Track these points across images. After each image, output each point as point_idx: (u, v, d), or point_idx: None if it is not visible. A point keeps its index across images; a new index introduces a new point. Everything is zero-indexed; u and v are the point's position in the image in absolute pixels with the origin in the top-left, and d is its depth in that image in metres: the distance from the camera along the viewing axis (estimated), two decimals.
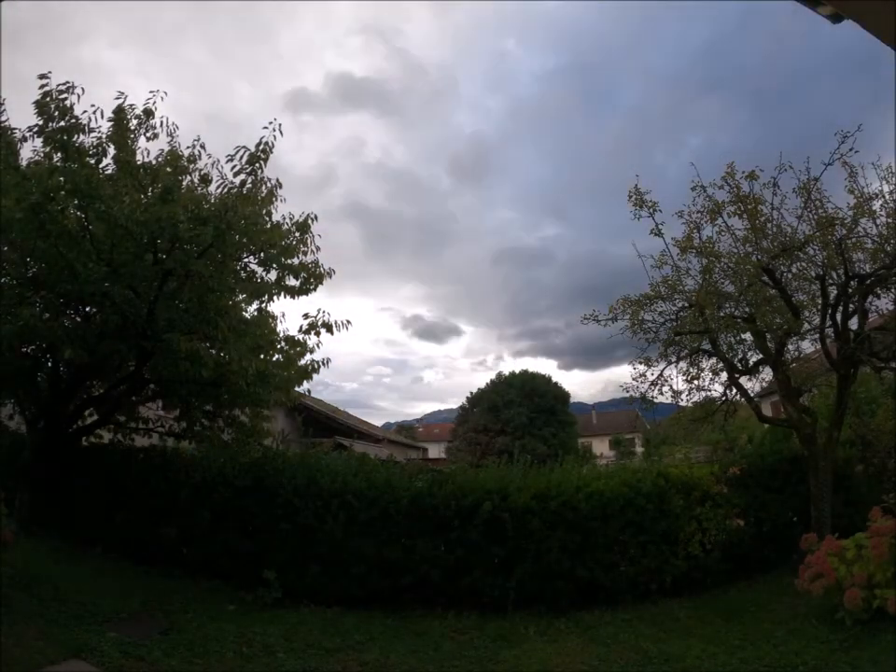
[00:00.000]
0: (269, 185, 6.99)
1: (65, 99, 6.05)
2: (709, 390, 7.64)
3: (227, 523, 6.60)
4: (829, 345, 6.77)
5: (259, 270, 7.22)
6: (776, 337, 6.63)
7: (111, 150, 6.51)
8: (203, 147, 7.07)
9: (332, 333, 7.26)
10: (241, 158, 6.49)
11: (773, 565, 6.76)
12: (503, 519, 6.24)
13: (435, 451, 40.38)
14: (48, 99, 6.04)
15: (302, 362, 7.48)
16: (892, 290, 6.44)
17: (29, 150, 6.47)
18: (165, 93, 6.67)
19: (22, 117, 6.27)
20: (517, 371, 35.88)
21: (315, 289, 7.48)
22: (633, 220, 7.10)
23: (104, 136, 6.42)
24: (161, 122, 6.85)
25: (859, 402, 7.99)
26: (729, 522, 6.80)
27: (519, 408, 32.88)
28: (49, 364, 7.27)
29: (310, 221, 7.26)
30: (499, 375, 36.47)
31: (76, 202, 5.89)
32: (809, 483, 6.68)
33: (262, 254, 6.93)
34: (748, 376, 7.43)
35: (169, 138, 6.95)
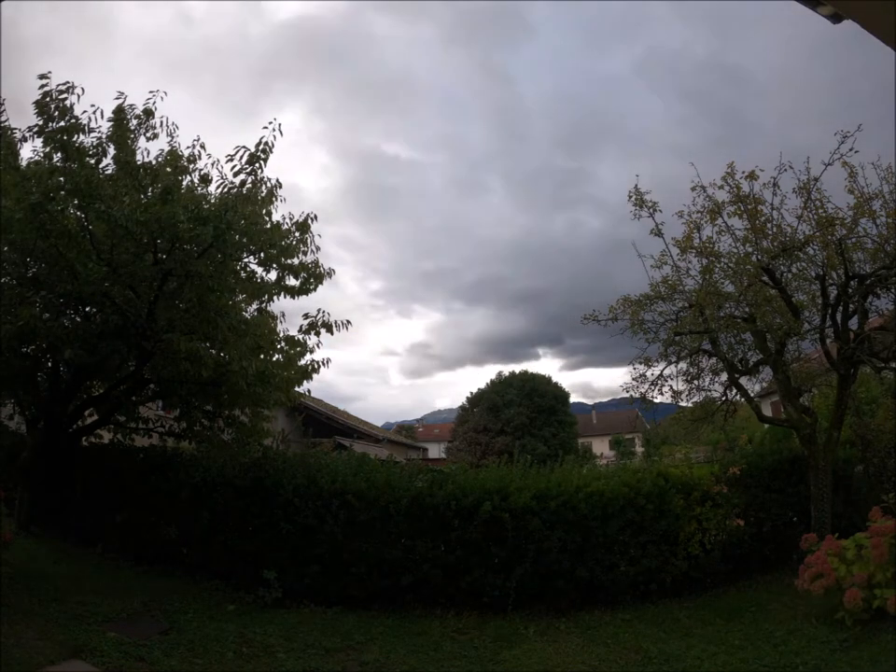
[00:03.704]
0: (269, 185, 7.00)
1: (65, 99, 6.04)
2: (709, 390, 7.66)
3: (227, 523, 6.60)
4: (829, 345, 6.77)
5: (259, 270, 7.23)
6: (776, 337, 6.63)
7: (111, 150, 6.50)
8: (203, 146, 7.07)
9: (332, 333, 7.27)
10: (241, 158, 6.50)
11: (773, 565, 6.76)
12: (503, 519, 6.23)
13: (435, 451, 40.37)
14: (48, 99, 6.03)
15: (302, 362, 7.49)
16: (892, 290, 6.43)
17: (29, 150, 6.47)
18: (165, 93, 6.68)
19: (22, 117, 6.27)
20: (517, 371, 35.95)
21: (314, 289, 7.49)
22: (633, 220, 7.13)
23: (104, 136, 6.41)
24: (161, 122, 6.84)
25: (859, 402, 7.99)
26: (729, 522, 6.80)
27: (519, 408, 32.87)
28: (49, 364, 7.27)
29: (310, 221, 7.27)
30: (499, 375, 36.52)
31: (76, 202, 5.89)
32: (809, 483, 6.68)
33: (262, 254, 6.93)
34: (748, 376, 7.43)
35: (169, 138, 6.94)
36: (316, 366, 7.46)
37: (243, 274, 7.11)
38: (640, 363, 7.46)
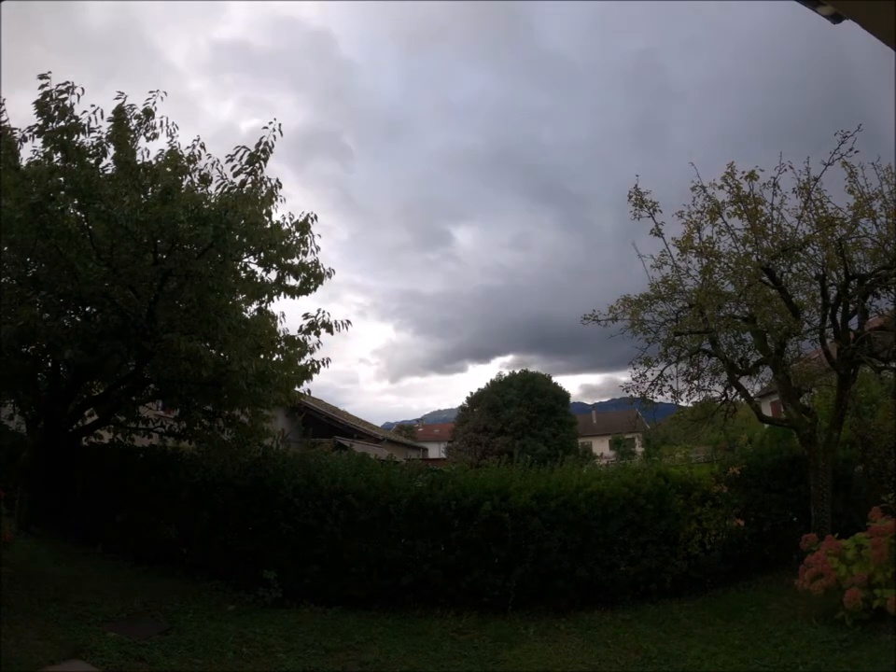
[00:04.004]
0: (269, 185, 7.00)
1: (65, 99, 6.05)
2: (709, 390, 7.65)
3: (227, 523, 6.60)
4: (829, 345, 6.77)
5: (259, 270, 7.23)
6: (776, 337, 6.63)
7: (111, 150, 6.51)
8: (203, 146, 7.08)
9: (332, 333, 7.27)
10: (241, 158, 6.50)
11: (773, 565, 6.76)
12: (503, 519, 6.23)
13: (435, 451, 40.39)
14: (48, 99, 6.03)
15: (302, 362, 7.49)
16: (892, 290, 6.43)
17: (29, 150, 6.47)
18: (165, 93, 6.68)
19: (22, 117, 6.27)
20: (517, 371, 35.93)
21: (314, 289, 7.49)
22: (633, 220, 7.13)
23: (104, 136, 6.42)
24: (161, 122, 6.84)
25: (859, 402, 7.99)
26: (729, 522, 6.80)
27: (519, 408, 32.86)
28: (49, 364, 7.27)
29: (309, 221, 7.27)
30: (499, 375, 36.53)
31: (76, 202, 5.89)
32: (809, 483, 6.68)
33: (262, 254, 6.93)
34: (748, 376, 7.42)
35: (169, 138, 6.95)
36: (316, 366, 7.47)
37: (243, 274, 7.12)
38: (640, 363, 7.46)
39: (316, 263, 7.36)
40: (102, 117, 6.34)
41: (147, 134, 6.82)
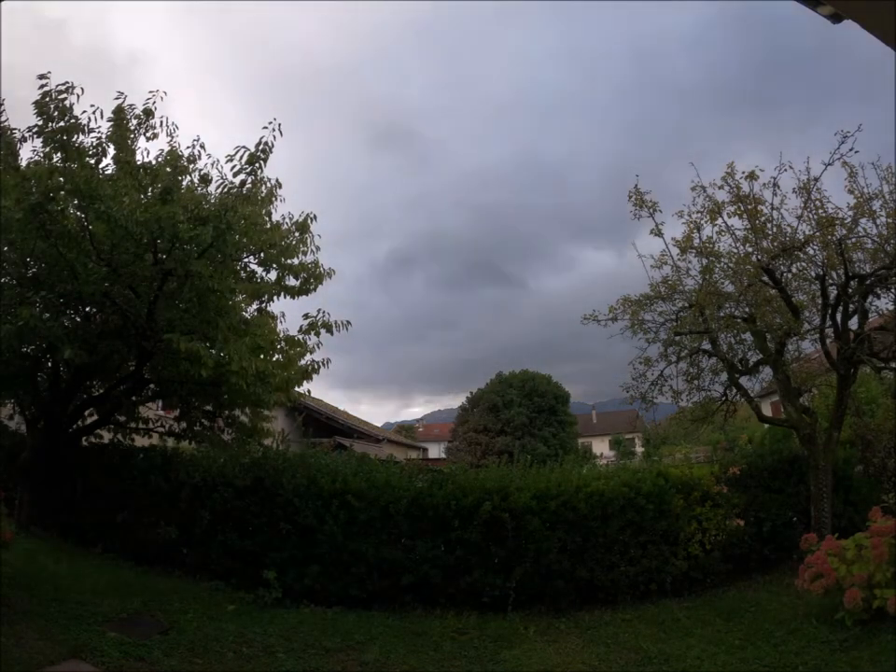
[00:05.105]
0: (269, 185, 7.01)
1: (65, 99, 6.05)
2: (709, 390, 7.65)
3: (227, 523, 6.59)
4: (829, 345, 6.77)
5: (259, 270, 7.24)
6: (776, 337, 6.63)
7: (111, 150, 6.51)
8: (202, 146, 7.08)
9: (332, 333, 7.27)
10: (241, 158, 6.50)
11: (773, 565, 6.76)
12: (503, 519, 6.23)
13: (435, 451, 40.38)
14: (47, 99, 6.04)
15: (302, 362, 7.49)
16: (892, 290, 6.44)
17: (29, 150, 6.48)
18: (165, 93, 6.69)
19: (22, 117, 6.28)
20: (517, 371, 35.87)
21: (314, 289, 7.49)
22: (633, 220, 7.13)
23: (104, 136, 6.43)
24: (161, 122, 6.86)
25: (859, 402, 7.99)
26: (729, 522, 6.80)
27: (519, 408, 32.84)
28: (49, 364, 7.27)
29: (309, 221, 7.27)
30: (499, 375, 36.45)
31: (76, 202, 5.90)
32: (809, 483, 6.69)
33: (262, 254, 6.94)
34: (748, 376, 7.42)
35: (169, 138, 6.97)
36: (316, 366, 7.47)
37: (243, 274, 7.13)
38: (640, 363, 7.46)
39: (316, 263, 7.37)
40: (101, 117, 6.36)
41: (147, 134, 6.83)
